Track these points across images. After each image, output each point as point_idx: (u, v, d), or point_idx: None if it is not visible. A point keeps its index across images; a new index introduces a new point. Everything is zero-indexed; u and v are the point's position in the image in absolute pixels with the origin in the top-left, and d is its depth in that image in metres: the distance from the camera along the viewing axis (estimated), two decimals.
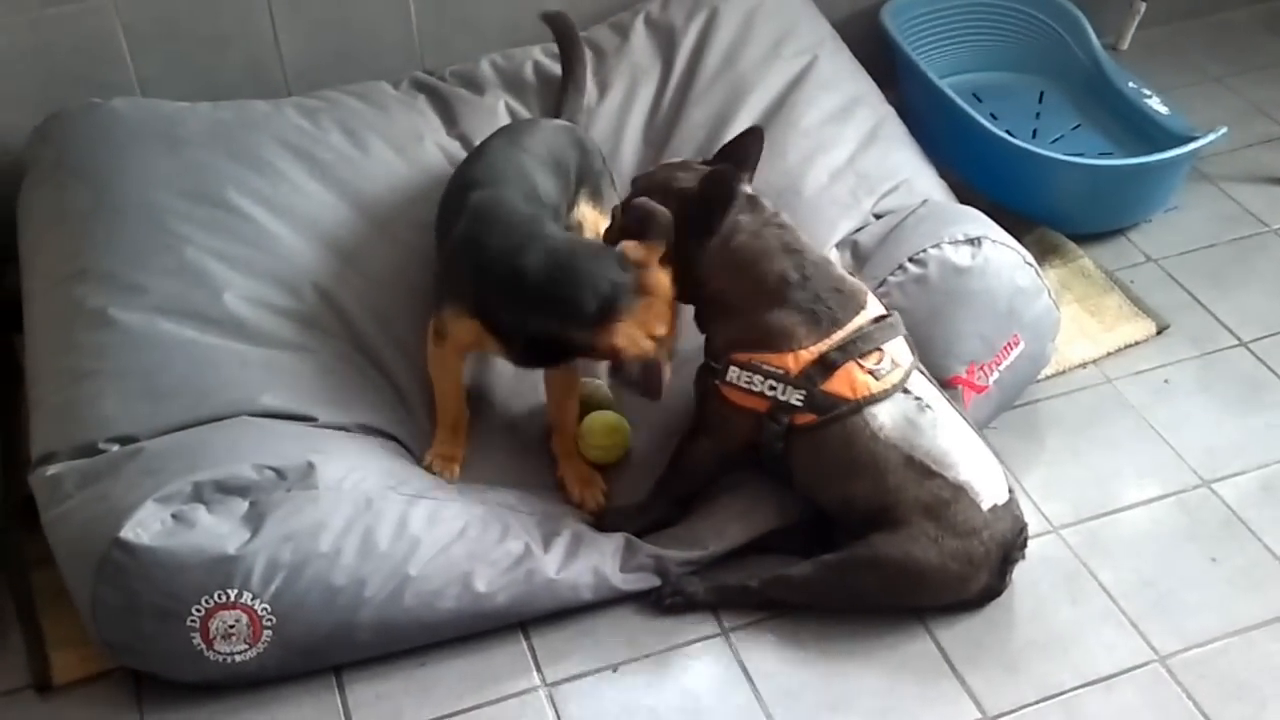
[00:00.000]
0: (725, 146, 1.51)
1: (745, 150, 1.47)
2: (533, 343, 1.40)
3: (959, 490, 1.36)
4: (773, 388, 1.36)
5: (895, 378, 1.39)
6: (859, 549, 1.37)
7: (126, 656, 1.32)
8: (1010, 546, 1.39)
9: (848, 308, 1.39)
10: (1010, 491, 1.41)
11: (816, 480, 1.41)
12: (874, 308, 1.43)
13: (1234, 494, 1.57)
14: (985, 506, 1.37)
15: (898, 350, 1.41)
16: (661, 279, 1.37)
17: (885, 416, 1.37)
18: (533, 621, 1.40)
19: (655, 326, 1.37)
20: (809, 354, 1.37)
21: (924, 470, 1.36)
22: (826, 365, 1.37)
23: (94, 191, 1.61)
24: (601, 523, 1.46)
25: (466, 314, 1.42)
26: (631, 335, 1.35)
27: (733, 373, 1.38)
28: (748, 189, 1.45)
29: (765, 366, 1.37)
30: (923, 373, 1.43)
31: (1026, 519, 1.42)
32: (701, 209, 1.39)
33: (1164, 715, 1.33)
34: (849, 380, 1.37)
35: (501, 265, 1.38)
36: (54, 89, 1.76)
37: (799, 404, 1.36)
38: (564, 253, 1.38)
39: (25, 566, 1.44)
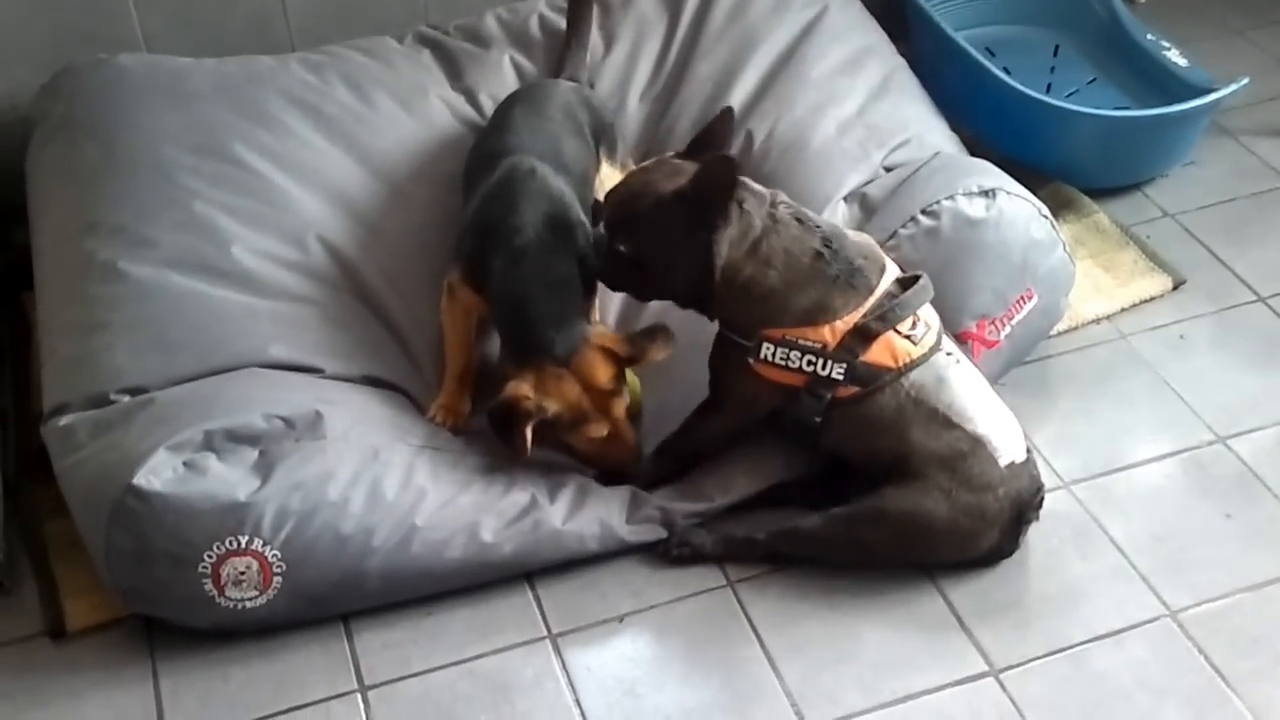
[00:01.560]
0: (700, 135, 1.43)
1: (720, 134, 1.41)
2: None
3: (977, 443, 1.35)
4: (811, 363, 1.33)
5: (931, 340, 1.37)
6: (869, 501, 1.36)
7: (139, 603, 1.33)
8: (1025, 506, 1.38)
9: (874, 271, 1.37)
10: (1029, 451, 1.40)
11: (847, 441, 1.39)
12: (892, 265, 1.41)
13: (1249, 450, 1.55)
14: (1003, 463, 1.36)
15: (928, 312, 1.39)
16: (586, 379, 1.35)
17: (918, 376, 1.35)
18: (539, 572, 1.40)
19: (561, 401, 1.35)
20: (845, 324, 1.34)
21: (945, 422, 1.35)
22: (866, 336, 1.34)
23: (102, 147, 1.61)
24: (605, 478, 1.46)
25: (469, 284, 1.44)
26: (524, 391, 1.33)
27: (767, 349, 1.34)
28: None
29: (802, 341, 1.33)
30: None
31: (1043, 479, 1.40)
32: (705, 203, 1.33)
33: (1175, 670, 1.32)
34: (889, 349, 1.34)
35: (502, 270, 1.39)
36: (60, 46, 1.76)
37: (840, 378, 1.34)
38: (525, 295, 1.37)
39: (39, 517, 1.45)
